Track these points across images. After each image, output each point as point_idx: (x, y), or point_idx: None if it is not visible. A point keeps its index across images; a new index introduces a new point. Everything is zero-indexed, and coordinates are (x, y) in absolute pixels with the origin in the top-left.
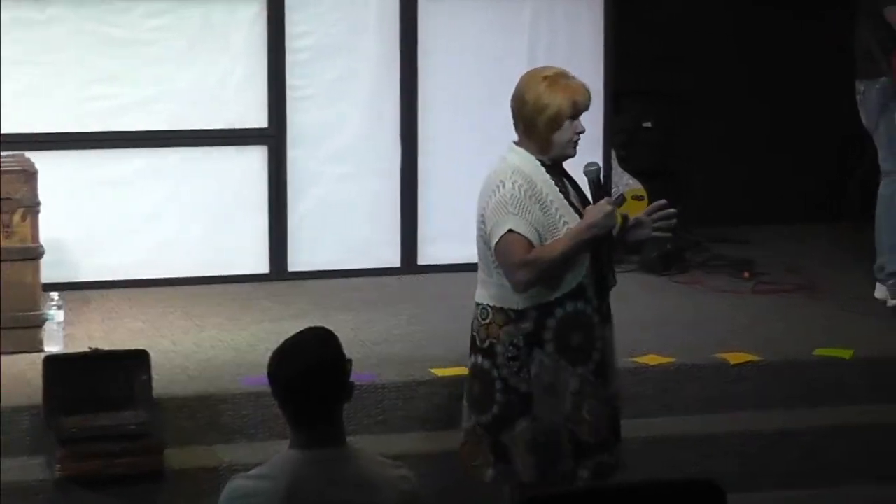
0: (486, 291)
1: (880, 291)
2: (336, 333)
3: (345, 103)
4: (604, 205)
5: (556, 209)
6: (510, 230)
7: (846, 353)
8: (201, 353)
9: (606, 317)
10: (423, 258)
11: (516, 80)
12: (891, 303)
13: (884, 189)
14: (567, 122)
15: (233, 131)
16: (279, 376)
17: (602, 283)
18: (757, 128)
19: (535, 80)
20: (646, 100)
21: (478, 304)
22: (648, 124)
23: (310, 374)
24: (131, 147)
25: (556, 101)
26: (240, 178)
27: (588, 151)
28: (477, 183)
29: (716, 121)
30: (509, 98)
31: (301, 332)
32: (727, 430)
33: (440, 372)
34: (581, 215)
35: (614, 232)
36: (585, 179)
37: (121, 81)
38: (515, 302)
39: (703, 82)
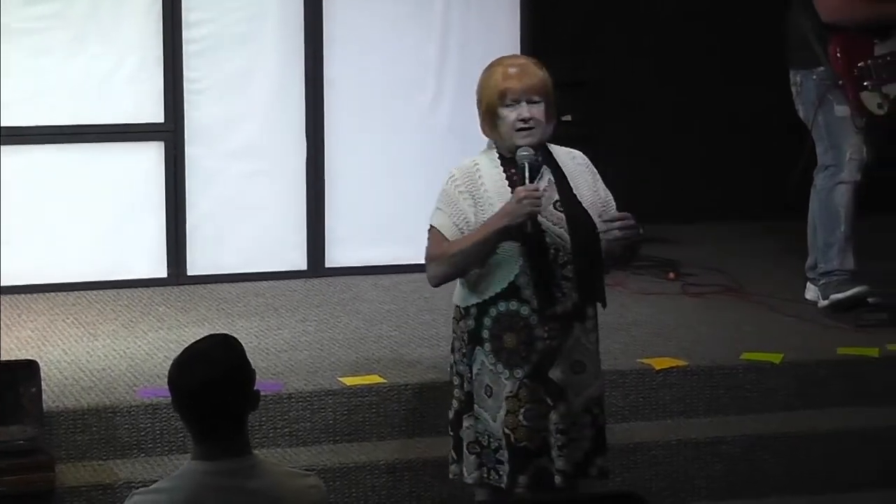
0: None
1: (811, 292)
2: (239, 340)
3: (246, 97)
4: (519, 191)
5: (493, 205)
6: (432, 226)
7: (775, 358)
8: (95, 362)
9: (570, 321)
10: (331, 260)
11: (426, 73)
12: (822, 304)
13: (821, 183)
14: (504, 111)
15: (126, 126)
16: (180, 386)
17: (547, 286)
18: (683, 121)
19: (486, 68)
20: (564, 92)
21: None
22: (568, 118)
23: (212, 384)
24: (15, 144)
25: (486, 91)
26: (134, 176)
27: None
28: (385, 180)
29: (639, 114)
30: (420, 90)
31: (202, 340)
32: (651, 439)
33: (349, 381)
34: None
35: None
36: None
37: (2, 74)
38: (462, 299)
39: (625, 71)
